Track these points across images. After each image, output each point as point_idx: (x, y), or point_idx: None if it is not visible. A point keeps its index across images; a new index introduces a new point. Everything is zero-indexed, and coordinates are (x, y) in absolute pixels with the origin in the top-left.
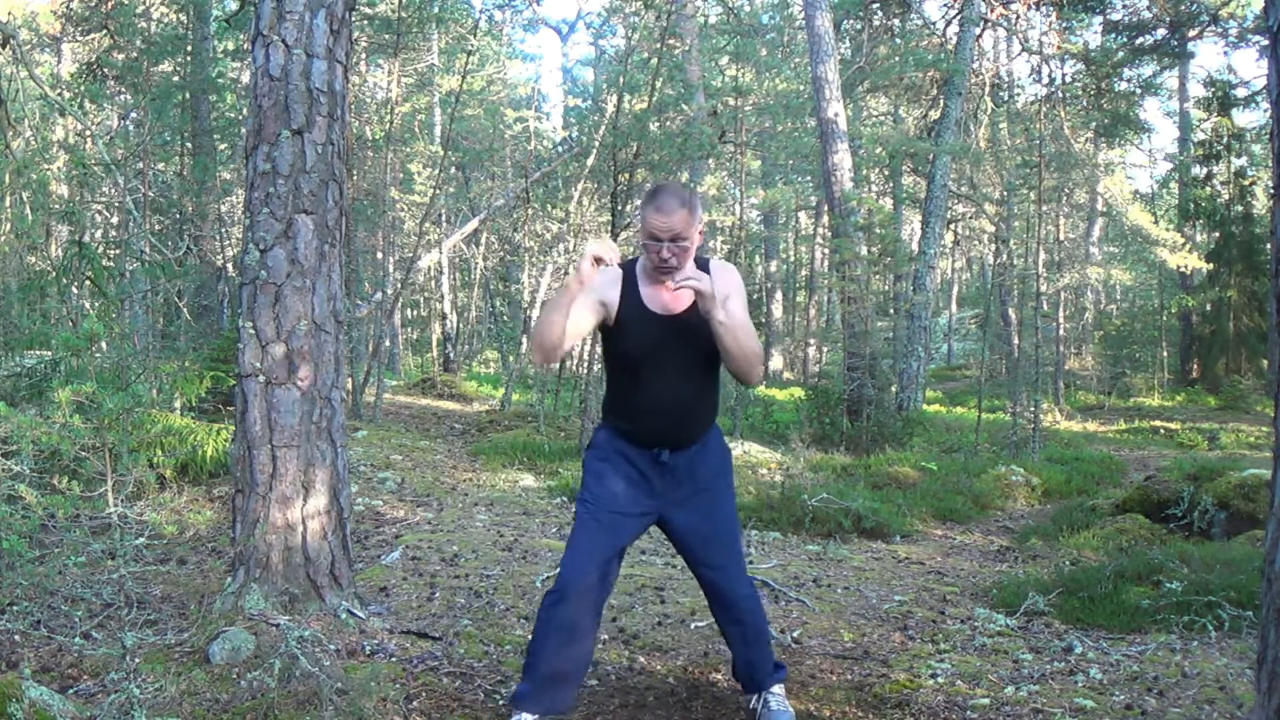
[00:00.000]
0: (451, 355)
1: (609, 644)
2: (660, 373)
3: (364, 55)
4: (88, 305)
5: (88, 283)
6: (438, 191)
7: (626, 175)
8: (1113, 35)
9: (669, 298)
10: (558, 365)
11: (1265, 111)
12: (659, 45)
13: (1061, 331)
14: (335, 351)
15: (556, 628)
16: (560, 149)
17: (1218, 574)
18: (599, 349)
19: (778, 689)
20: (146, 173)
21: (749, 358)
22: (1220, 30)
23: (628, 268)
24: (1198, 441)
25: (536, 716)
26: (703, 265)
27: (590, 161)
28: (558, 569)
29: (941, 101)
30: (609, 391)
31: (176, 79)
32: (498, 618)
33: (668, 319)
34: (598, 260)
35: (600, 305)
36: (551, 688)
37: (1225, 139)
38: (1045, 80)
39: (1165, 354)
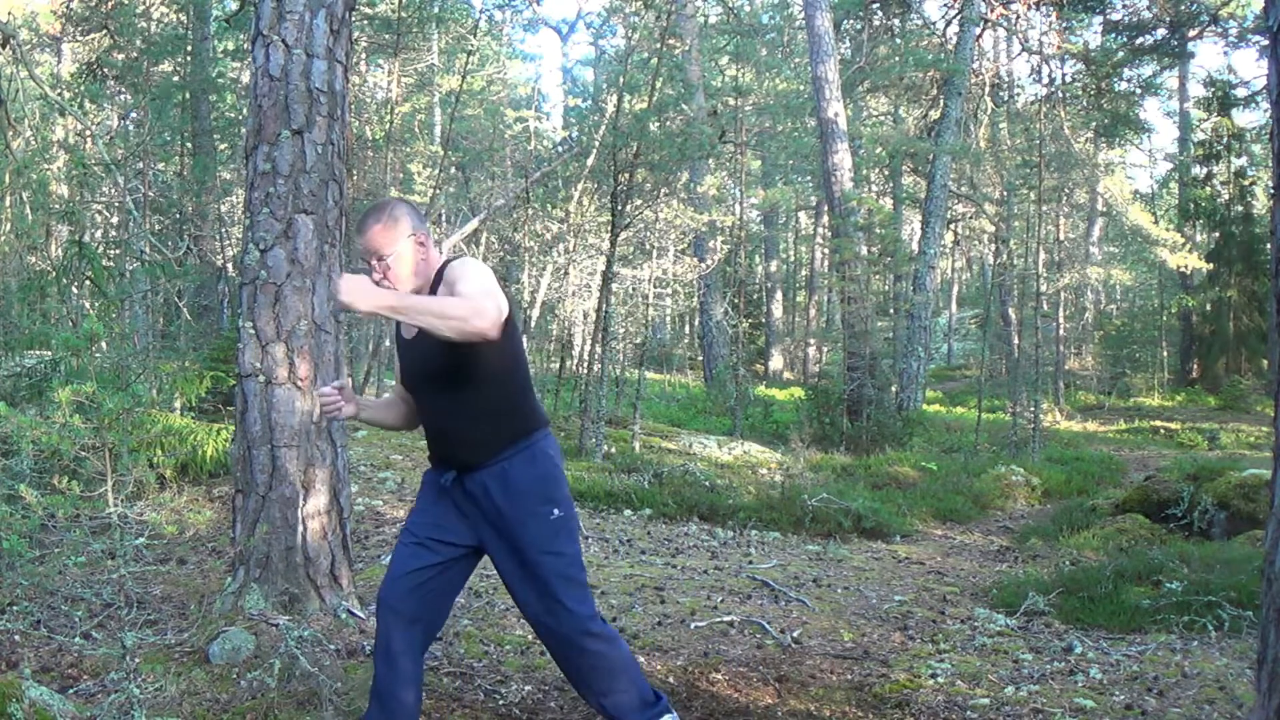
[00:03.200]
0: None
1: None
2: (423, 395)
3: (364, 55)
4: (88, 305)
5: (88, 283)
6: (438, 191)
7: (626, 175)
8: (1113, 35)
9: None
10: (558, 364)
11: (1265, 111)
12: (659, 45)
13: (1061, 331)
14: (335, 351)
15: (378, 651)
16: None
17: (1218, 574)
18: (599, 349)
19: None
20: (146, 173)
21: (437, 321)
22: (1220, 30)
23: None
24: (1198, 441)
25: None
26: (440, 270)
27: (590, 161)
28: None
29: (941, 101)
30: None
31: (176, 79)
32: (497, 618)
33: (409, 342)
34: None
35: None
36: (380, 714)
37: (1225, 139)
38: (1045, 80)
39: (1165, 354)
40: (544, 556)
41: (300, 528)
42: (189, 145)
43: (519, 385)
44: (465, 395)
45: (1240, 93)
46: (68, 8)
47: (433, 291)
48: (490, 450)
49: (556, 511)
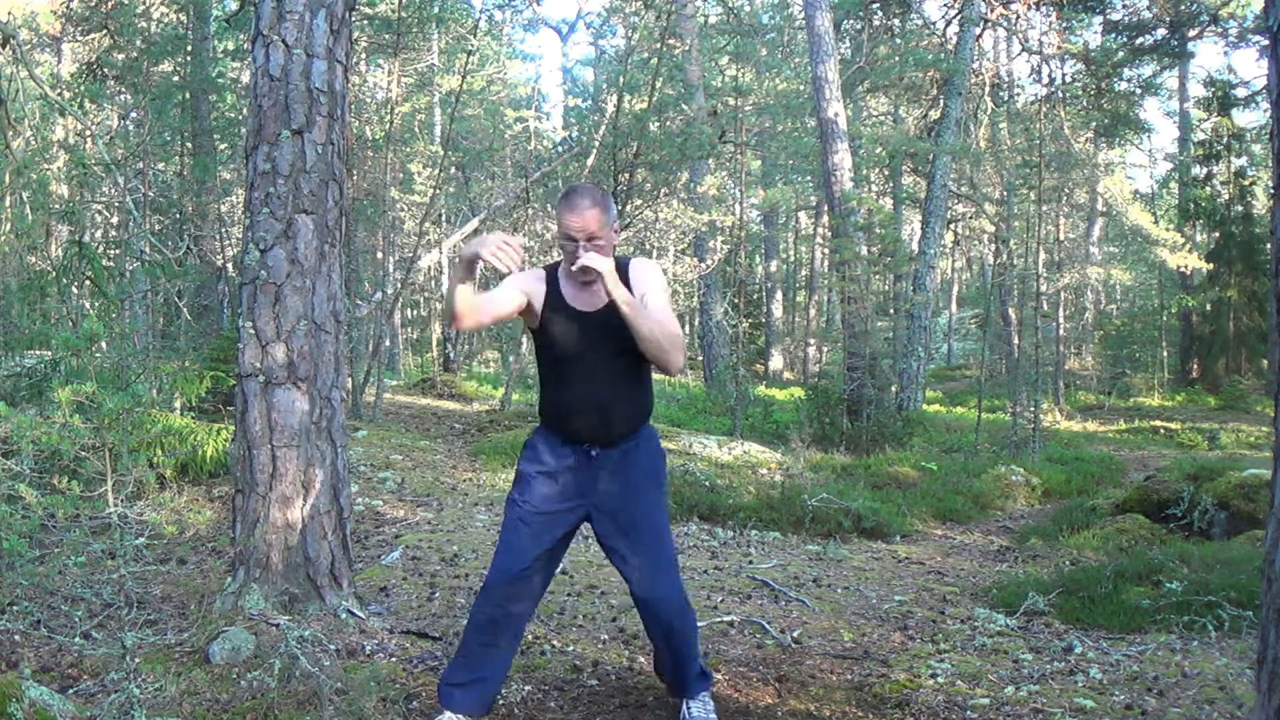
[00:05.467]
0: (451, 355)
1: (609, 644)
2: (585, 370)
3: (364, 55)
4: (88, 305)
5: (88, 283)
6: (438, 191)
7: (626, 175)
8: (1113, 35)
9: (589, 295)
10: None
11: (1265, 111)
12: (659, 45)
13: (1061, 331)
14: (335, 351)
15: (477, 627)
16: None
17: (1218, 574)
18: None
19: (702, 698)
20: (146, 173)
21: (659, 340)
22: (1220, 30)
23: (550, 270)
24: (1198, 441)
25: (460, 716)
26: (623, 264)
27: (590, 161)
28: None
29: (941, 101)
30: (541, 393)
31: (176, 79)
32: None
33: (589, 316)
34: (475, 260)
35: (522, 295)
36: (470, 688)
37: (1225, 139)
38: (1045, 80)
39: (1165, 354)
40: (658, 525)
41: (300, 528)
42: (189, 145)
43: (651, 376)
44: (630, 373)
45: (1240, 93)
46: (68, 8)
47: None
48: (634, 425)
49: (664, 488)
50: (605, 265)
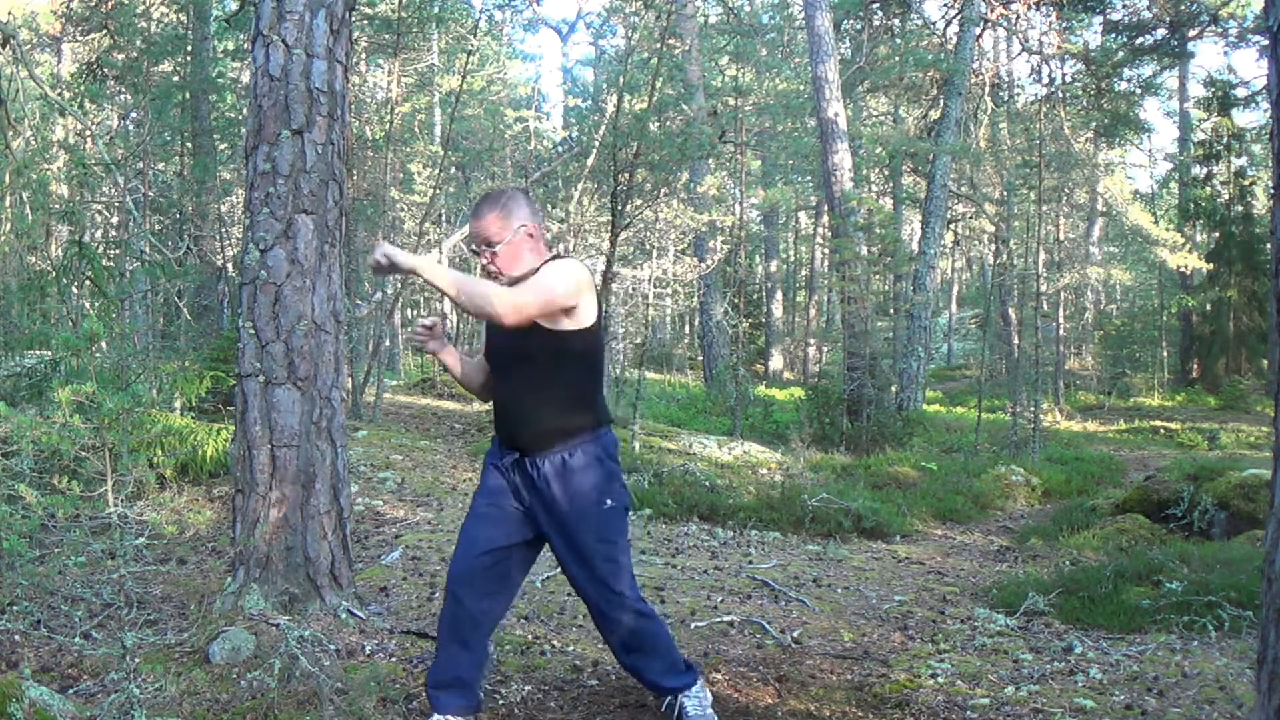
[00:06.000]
0: None
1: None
2: (505, 375)
3: (364, 55)
4: (88, 305)
5: (88, 283)
6: (438, 191)
7: (626, 175)
8: (1113, 35)
9: None
10: None
11: (1265, 111)
12: (659, 45)
13: (1061, 331)
14: (335, 351)
15: (444, 625)
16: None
17: (1218, 574)
18: None
19: (696, 696)
20: (146, 173)
21: (468, 299)
22: (1220, 30)
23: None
24: (1198, 441)
25: (448, 717)
26: (546, 263)
27: (590, 161)
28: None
29: (941, 101)
30: None
31: (176, 79)
32: None
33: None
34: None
35: None
36: (454, 690)
37: (1225, 139)
38: (1045, 80)
39: (1165, 354)
40: (596, 544)
41: (300, 528)
42: (189, 145)
43: (592, 380)
44: (546, 379)
45: (1240, 93)
46: (68, 8)
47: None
48: (556, 438)
49: (609, 502)
50: (393, 256)
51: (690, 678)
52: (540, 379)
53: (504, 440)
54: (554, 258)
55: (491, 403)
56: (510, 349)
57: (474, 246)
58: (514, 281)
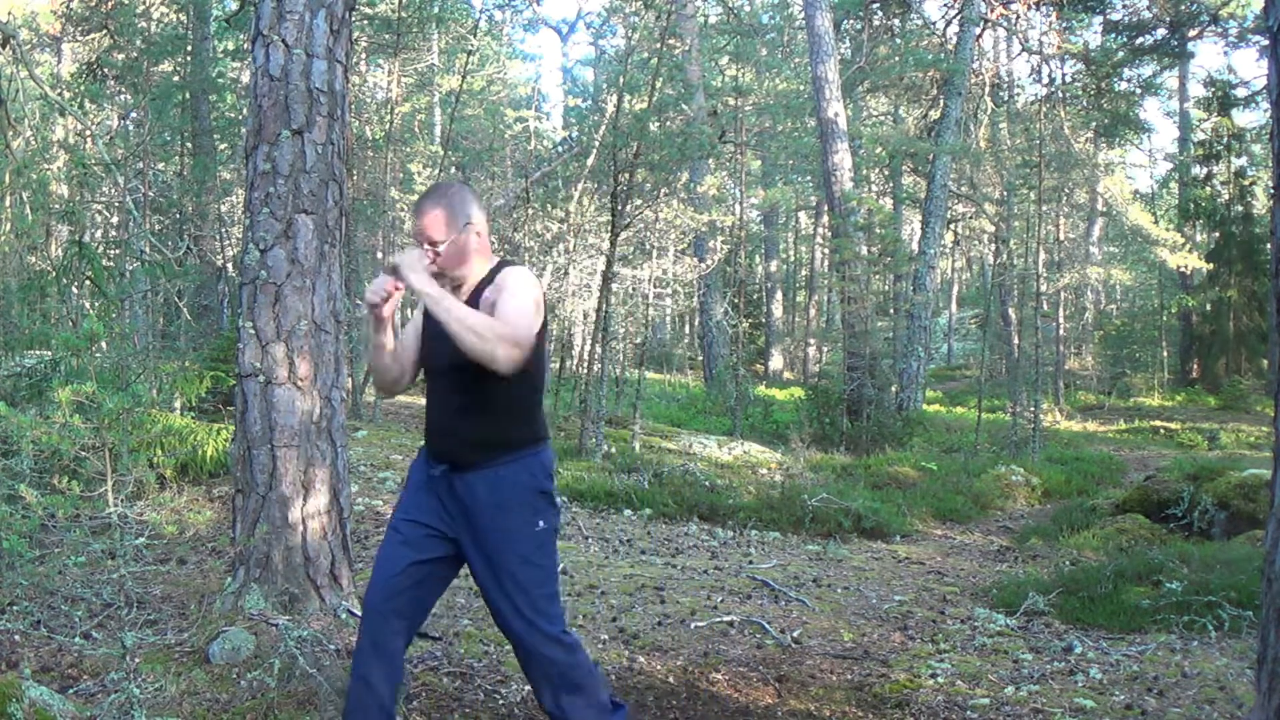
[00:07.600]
0: None
1: (609, 644)
2: (438, 383)
3: (364, 55)
4: (88, 305)
5: (88, 283)
6: None
7: (626, 175)
8: (1113, 35)
9: None
10: (558, 364)
11: (1265, 111)
12: (659, 45)
13: (1061, 331)
14: (335, 351)
15: (357, 654)
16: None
17: (1218, 574)
18: (599, 349)
19: None
20: (146, 173)
21: (467, 333)
22: (1220, 30)
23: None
24: (1198, 441)
25: None
26: (495, 270)
27: (590, 161)
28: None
29: (941, 101)
30: None
31: (176, 79)
32: None
33: (436, 326)
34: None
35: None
36: (366, 712)
37: (1225, 139)
38: (1045, 80)
39: (1165, 354)
40: (522, 567)
41: (300, 528)
42: (189, 145)
43: (532, 394)
44: (482, 393)
45: (1240, 93)
46: (68, 8)
47: (481, 287)
48: (489, 452)
49: (541, 524)
50: (405, 272)
51: (619, 716)
52: (477, 389)
53: (434, 452)
54: (503, 262)
55: (425, 412)
56: (447, 354)
57: (417, 243)
58: (457, 283)
